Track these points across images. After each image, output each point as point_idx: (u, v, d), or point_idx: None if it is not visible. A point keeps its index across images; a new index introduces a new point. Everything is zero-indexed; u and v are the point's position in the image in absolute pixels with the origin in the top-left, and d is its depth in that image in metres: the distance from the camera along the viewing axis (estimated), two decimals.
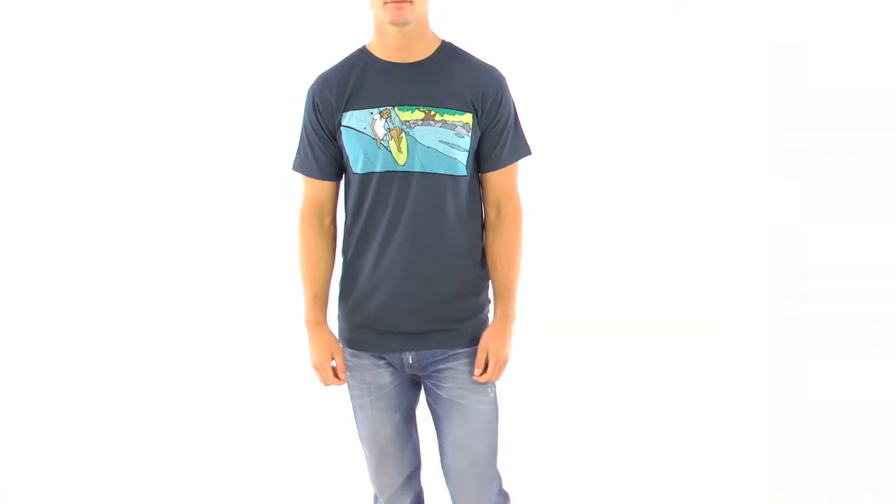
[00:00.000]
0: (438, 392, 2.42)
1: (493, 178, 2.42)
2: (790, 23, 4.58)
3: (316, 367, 2.46)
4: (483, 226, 2.45)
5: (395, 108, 2.32)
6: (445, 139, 2.33)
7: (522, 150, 2.45)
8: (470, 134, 2.35)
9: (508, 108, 2.40)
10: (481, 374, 2.39)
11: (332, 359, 2.45)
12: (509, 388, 3.77)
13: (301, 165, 2.48)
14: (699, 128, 4.68)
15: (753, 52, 4.63)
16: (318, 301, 2.48)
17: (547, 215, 4.62)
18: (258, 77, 4.66)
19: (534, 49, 4.58)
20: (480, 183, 2.45)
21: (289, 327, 4.30)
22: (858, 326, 4.28)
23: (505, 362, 2.43)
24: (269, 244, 4.64)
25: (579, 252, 4.61)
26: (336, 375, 2.46)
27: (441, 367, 2.41)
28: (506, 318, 2.43)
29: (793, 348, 4.24)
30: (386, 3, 2.23)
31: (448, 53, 2.38)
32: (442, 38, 2.41)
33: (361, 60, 2.38)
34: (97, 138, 4.65)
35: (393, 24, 2.26)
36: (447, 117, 2.33)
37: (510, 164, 2.42)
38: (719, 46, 4.61)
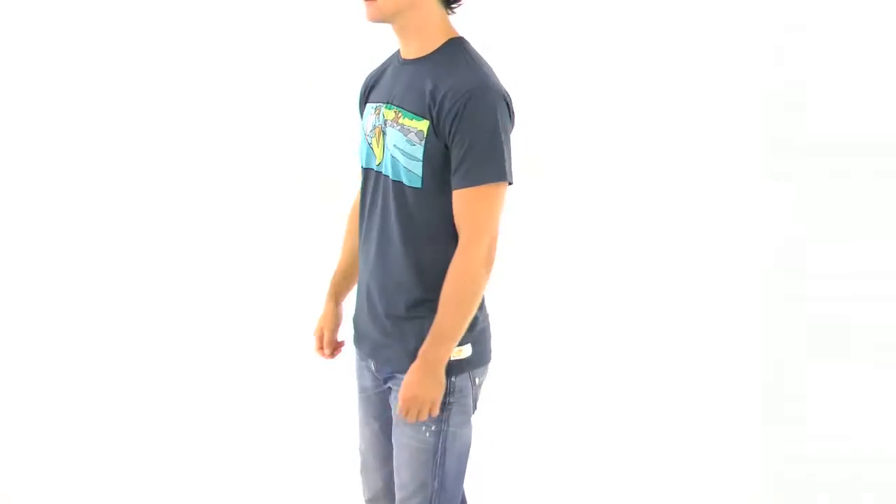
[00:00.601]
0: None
1: (453, 199, 2.16)
2: (791, 22, 4.58)
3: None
4: (452, 247, 2.20)
5: (384, 106, 2.25)
6: (399, 144, 2.19)
7: (485, 175, 2.11)
8: (423, 143, 2.15)
9: (474, 125, 2.10)
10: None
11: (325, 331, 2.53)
12: (510, 390, 3.78)
13: None
14: (699, 128, 4.68)
15: (754, 52, 4.63)
16: (335, 277, 2.52)
17: (545, 216, 4.62)
18: (258, 77, 4.66)
19: (533, 49, 4.58)
20: None
21: (288, 325, 4.32)
22: (859, 326, 4.28)
23: (415, 404, 2.19)
24: (269, 243, 4.65)
25: (579, 251, 4.61)
26: (322, 347, 2.53)
27: (390, 385, 2.34)
28: (422, 357, 2.17)
29: (793, 348, 4.24)
30: (363, 3, 2.19)
31: (444, 52, 2.19)
32: (461, 34, 2.24)
33: (394, 56, 2.34)
34: (96, 138, 4.66)
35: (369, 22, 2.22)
36: (405, 121, 2.18)
37: (465, 187, 2.12)
38: (720, 46, 4.61)
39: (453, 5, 2.24)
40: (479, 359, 2.30)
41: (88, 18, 4.60)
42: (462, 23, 2.26)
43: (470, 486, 2.50)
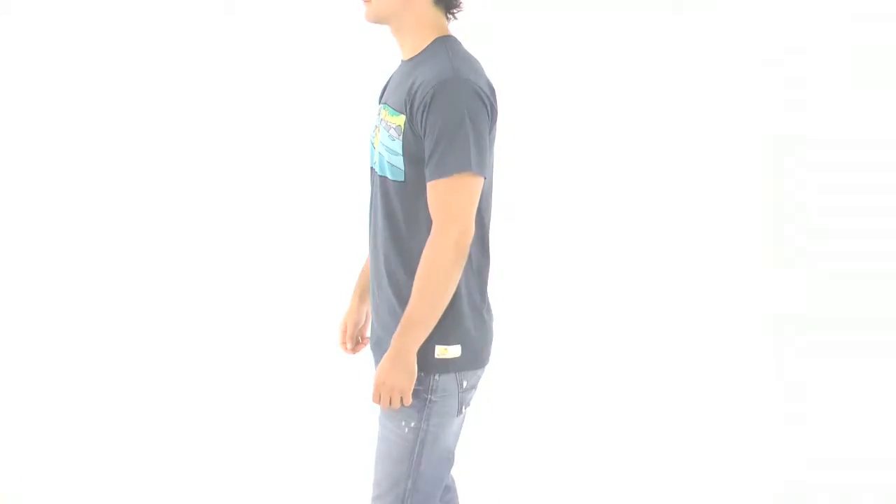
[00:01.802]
0: None
1: (427, 192, 2.20)
2: (791, 23, 4.58)
3: None
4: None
5: (381, 106, 2.33)
6: (384, 140, 2.25)
7: (450, 166, 2.14)
8: (401, 137, 2.20)
9: (440, 116, 2.13)
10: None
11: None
12: (508, 389, 3.79)
13: None
14: (698, 127, 4.68)
15: (753, 52, 4.63)
16: (362, 274, 2.57)
17: (544, 215, 4.62)
18: (259, 77, 4.66)
19: (532, 48, 4.58)
20: None
21: (289, 325, 4.33)
22: (860, 325, 4.28)
23: (384, 390, 2.22)
24: (271, 243, 4.65)
25: (577, 250, 4.61)
26: (344, 342, 2.58)
27: None
28: (392, 344, 2.22)
29: (793, 348, 4.24)
30: None
31: (428, 50, 2.24)
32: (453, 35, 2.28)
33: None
34: (97, 139, 4.65)
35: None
36: (389, 118, 2.25)
37: (434, 178, 2.16)
38: (720, 46, 4.62)
39: (453, 10, 2.28)
40: (470, 361, 2.28)
41: (89, 18, 4.60)
42: (468, 25, 2.28)
43: (472, 488, 2.50)
